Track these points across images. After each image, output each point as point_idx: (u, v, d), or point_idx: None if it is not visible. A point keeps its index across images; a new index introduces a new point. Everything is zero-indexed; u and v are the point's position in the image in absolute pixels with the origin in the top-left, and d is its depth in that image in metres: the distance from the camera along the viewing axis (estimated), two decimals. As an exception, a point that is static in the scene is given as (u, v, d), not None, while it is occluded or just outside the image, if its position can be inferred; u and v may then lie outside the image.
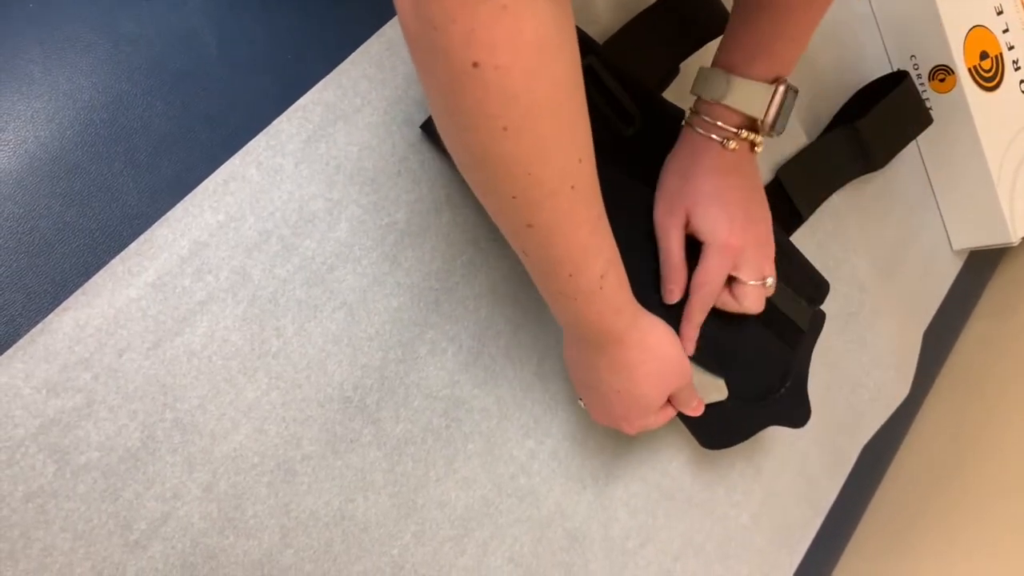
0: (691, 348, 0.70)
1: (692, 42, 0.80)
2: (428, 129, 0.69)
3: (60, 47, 0.60)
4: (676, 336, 0.66)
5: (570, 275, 0.55)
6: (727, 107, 0.66)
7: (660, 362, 0.65)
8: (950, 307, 1.05)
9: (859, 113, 0.92)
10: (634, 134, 0.73)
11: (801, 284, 0.81)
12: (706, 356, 0.72)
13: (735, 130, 0.67)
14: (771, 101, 0.66)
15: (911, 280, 1.01)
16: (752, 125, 0.67)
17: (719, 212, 0.68)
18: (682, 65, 0.81)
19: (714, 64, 0.69)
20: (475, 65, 0.42)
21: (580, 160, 0.50)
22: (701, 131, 0.68)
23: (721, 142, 0.67)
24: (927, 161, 1.04)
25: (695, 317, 0.70)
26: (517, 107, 0.45)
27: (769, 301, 0.76)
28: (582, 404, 0.71)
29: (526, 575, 0.72)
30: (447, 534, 0.69)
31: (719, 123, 0.67)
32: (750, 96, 0.66)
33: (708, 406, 0.71)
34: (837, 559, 0.95)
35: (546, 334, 0.74)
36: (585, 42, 0.74)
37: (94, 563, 0.57)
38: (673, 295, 0.70)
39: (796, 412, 0.80)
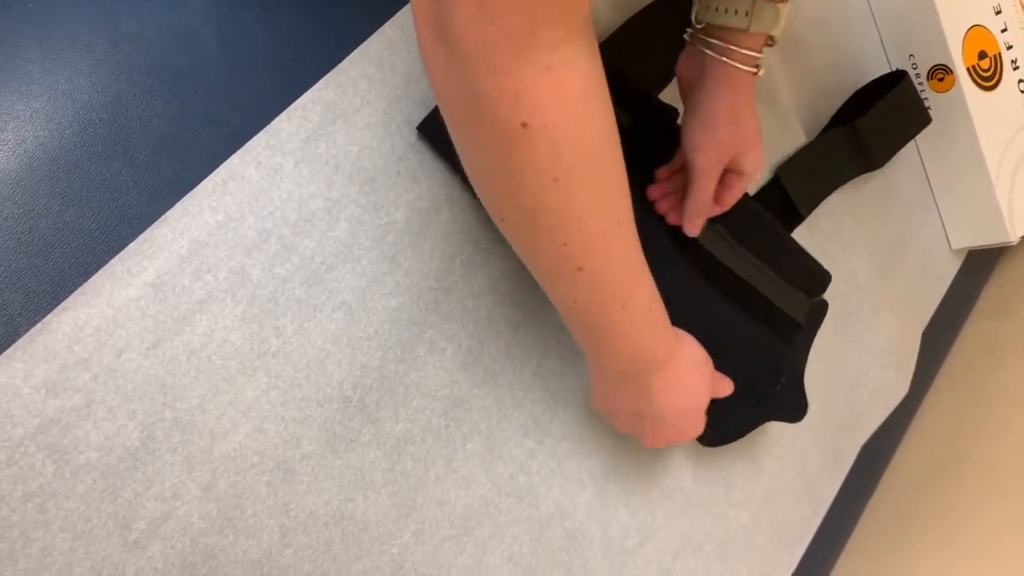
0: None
1: None
2: (425, 130, 0.69)
3: (59, 46, 0.60)
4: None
5: (623, 306, 0.56)
6: (751, 34, 0.68)
7: (703, 365, 0.67)
8: (949, 306, 1.05)
9: (858, 112, 0.92)
10: (632, 126, 0.73)
11: (797, 276, 0.81)
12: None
13: (760, 55, 0.69)
14: (782, 17, 0.68)
15: (910, 279, 1.01)
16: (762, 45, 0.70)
17: (760, 149, 0.72)
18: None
19: None
20: (524, 126, 0.43)
21: (624, 195, 0.51)
22: (738, 64, 0.69)
23: (755, 71, 0.69)
24: (926, 160, 1.04)
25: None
26: (567, 158, 0.46)
27: (762, 296, 0.77)
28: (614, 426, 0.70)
29: (525, 574, 0.72)
30: (446, 533, 0.69)
31: (750, 52, 0.68)
32: (769, 18, 0.67)
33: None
34: (836, 558, 0.95)
35: (545, 334, 0.74)
36: None
37: (93, 563, 0.57)
38: (697, 229, 0.74)
39: (793, 407, 0.81)
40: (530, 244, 0.52)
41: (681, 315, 0.73)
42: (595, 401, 0.69)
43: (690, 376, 0.65)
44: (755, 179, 0.74)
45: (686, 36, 0.72)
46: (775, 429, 0.87)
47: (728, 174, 0.73)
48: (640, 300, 0.57)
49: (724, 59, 0.69)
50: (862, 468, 0.95)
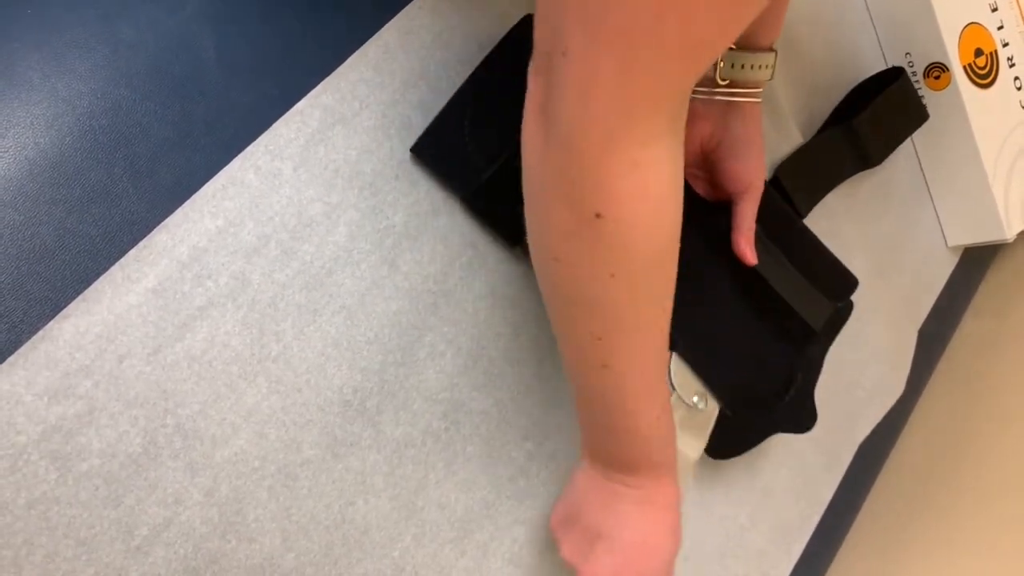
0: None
1: None
2: (419, 151, 0.69)
3: (59, 53, 0.60)
4: None
5: (631, 411, 0.56)
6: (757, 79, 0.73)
7: (677, 521, 0.62)
8: (945, 304, 1.06)
9: (856, 110, 0.92)
10: None
11: (825, 280, 0.81)
12: (704, 361, 0.73)
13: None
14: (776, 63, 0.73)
15: (906, 277, 1.02)
16: None
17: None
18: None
19: (736, 45, 0.72)
20: (598, 216, 0.45)
21: (670, 302, 0.52)
22: (756, 100, 0.74)
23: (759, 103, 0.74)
24: (922, 158, 1.04)
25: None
26: (630, 259, 0.47)
27: (783, 300, 0.77)
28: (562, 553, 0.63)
29: (526, 576, 0.72)
30: (447, 536, 0.69)
31: (758, 89, 0.74)
32: (768, 65, 0.72)
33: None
34: (834, 556, 0.95)
35: (545, 337, 0.75)
36: None
37: (97, 569, 0.57)
38: (754, 257, 0.74)
39: (800, 418, 0.80)
40: (565, 331, 0.54)
41: (700, 317, 0.73)
42: (559, 508, 0.65)
43: (670, 516, 0.61)
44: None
45: (700, 95, 0.74)
46: (773, 428, 0.88)
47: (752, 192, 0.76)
48: (651, 413, 0.57)
49: (754, 100, 0.73)
50: (859, 466, 0.96)
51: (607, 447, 0.60)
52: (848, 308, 0.83)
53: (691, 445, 0.72)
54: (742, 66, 0.71)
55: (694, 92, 0.72)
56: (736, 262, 0.75)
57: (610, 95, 0.42)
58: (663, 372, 0.56)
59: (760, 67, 0.71)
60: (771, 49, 0.72)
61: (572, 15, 0.42)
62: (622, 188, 0.45)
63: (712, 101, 0.73)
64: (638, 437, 0.58)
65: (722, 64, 0.71)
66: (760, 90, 0.74)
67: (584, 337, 0.52)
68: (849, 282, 0.83)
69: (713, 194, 0.77)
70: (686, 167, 0.74)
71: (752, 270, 0.75)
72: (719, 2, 0.41)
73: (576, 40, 0.42)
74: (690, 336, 0.72)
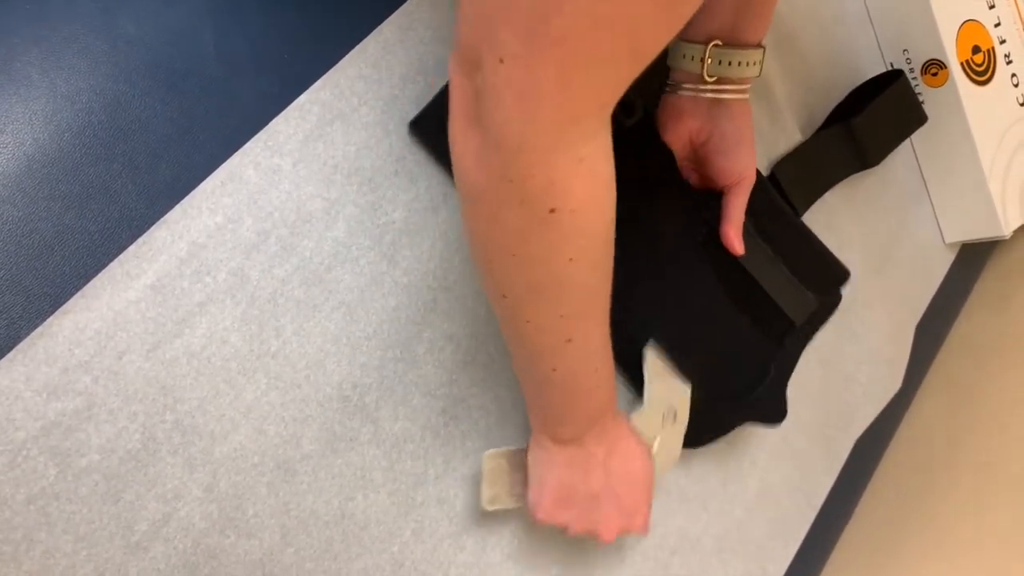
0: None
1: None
2: (417, 128, 0.70)
3: (57, 48, 0.60)
4: None
5: (595, 370, 0.60)
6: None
7: (636, 437, 0.70)
8: (942, 300, 1.06)
9: (854, 111, 0.93)
10: (635, 124, 0.74)
11: (813, 272, 0.81)
12: (682, 349, 0.74)
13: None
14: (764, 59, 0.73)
15: (903, 273, 1.02)
16: None
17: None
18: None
19: (723, 41, 0.72)
20: (552, 211, 0.46)
21: (612, 268, 0.54)
22: (744, 96, 0.74)
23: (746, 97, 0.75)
24: (920, 155, 1.04)
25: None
26: (586, 241, 0.49)
27: (764, 293, 0.77)
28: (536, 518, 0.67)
29: (524, 571, 0.72)
30: (446, 531, 0.69)
31: (745, 86, 0.74)
32: (756, 62, 0.72)
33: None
34: (831, 550, 0.96)
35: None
36: None
37: (96, 565, 0.57)
38: (743, 247, 0.76)
39: (770, 411, 0.81)
40: (526, 317, 0.54)
41: (682, 305, 0.75)
42: (542, 505, 0.66)
43: (635, 446, 0.68)
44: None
45: (687, 92, 0.74)
46: (770, 424, 0.88)
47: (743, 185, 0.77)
48: (610, 362, 0.61)
49: (742, 96, 0.74)
50: (856, 462, 0.96)
51: (572, 417, 0.63)
52: (835, 301, 0.83)
53: (664, 460, 0.74)
54: (729, 63, 0.71)
55: (681, 89, 0.73)
56: (722, 254, 0.76)
57: (553, 102, 0.42)
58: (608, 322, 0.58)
59: (748, 64, 0.72)
60: (759, 46, 0.73)
61: (507, 22, 0.41)
62: (573, 183, 0.45)
63: (700, 98, 0.74)
64: (601, 392, 0.63)
65: (710, 61, 0.71)
66: (748, 87, 0.74)
67: (549, 320, 0.53)
68: (838, 274, 0.83)
69: (704, 186, 0.78)
70: (677, 160, 0.75)
71: (736, 263, 0.77)
72: (659, 4, 0.41)
73: (513, 47, 0.41)
74: (670, 324, 0.75)
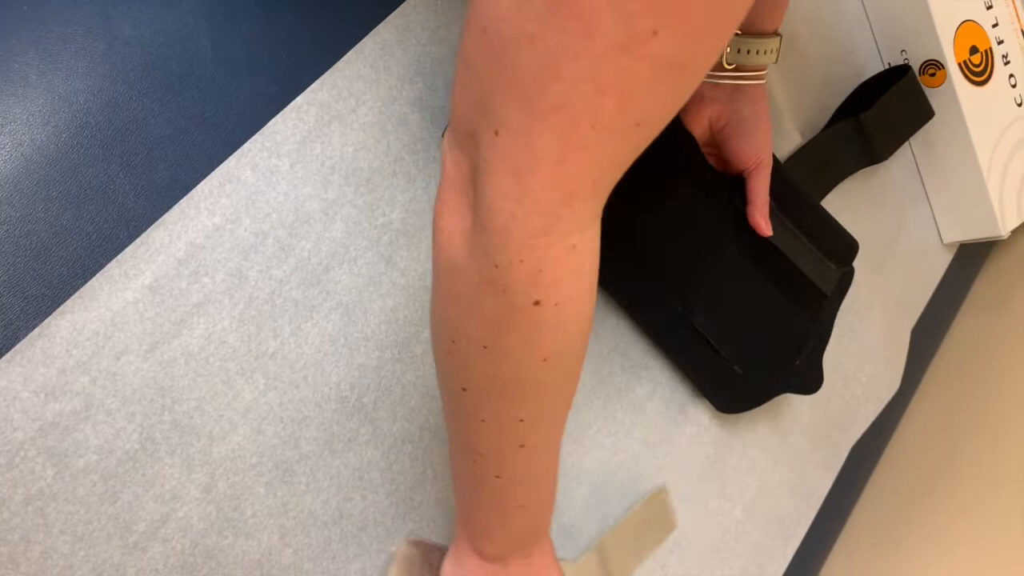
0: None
1: None
2: None
3: (55, 49, 0.60)
4: None
5: (541, 484, 0.56)
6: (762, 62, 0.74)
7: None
8: (940, 300, 1.06)
9: (862, 106, 0.93)
10: None
11: (832, 245, 0.83)
12: (722, 326, 0.77)
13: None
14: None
15: (902, 273, 1.02)
16: None
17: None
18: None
19: (742, 30, 0.73)
20: (536, 303, 0.42)
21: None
22: (761, 82, 0.74)
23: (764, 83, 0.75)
24: (918, 155, 1.04)
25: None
26: (565, 339, 0.45)
27: (795, 266, 0.79)
28: None
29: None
30: (444, 532, 0.69)
31: (762, 71, 0.74)
32: (773, 49, 0.74)
33: (721, 373, 0.78)
34: (829, 551, 0.96)
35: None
36: None
37: (94, 565, 0.57)
38: (770, 228, 0.76)
39: (809, 379, 0.83)
40: (482, 416, 0.50)
41: (719, 286, 0.77)
42: None
43: (553, 572, 0.64)
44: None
45: (706, 79, 0.74)
46: (768, 423, 0.88)
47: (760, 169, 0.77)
48: (554, 480, 0.57)
49: (759, 82, 0.74)
50: (854, 462, 0.96)
51: (503, 532, 0.59)
52: (850, 273, 0.84)
53: None
54: (747, 51, 0.72)
55: None
56: (751, 235, 0.77)
57: (550, 176, 0.39)
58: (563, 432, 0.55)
59: (765, 52, 0.72)
60: (776, 34, 0.74)
61: (505, 91, 0.39)
62: (562, 274, 0.42)
63: (719, 84, 0.74)
64: (538, 512, 0.58)
65: (728, 50, 0.72)
66: (764, 72, 0.75)
67: (506, 420, 0.49)
68: (851, 246, 0.85)
69: (723, 169, 0.79)
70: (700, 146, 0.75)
71: (766, 241, 0.78)
72: (661, 74, 0.38)
73: (509, 117, 0.39)
74: (709, 303, 0.77)
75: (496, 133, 0.40)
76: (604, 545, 0.74)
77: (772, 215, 0.77)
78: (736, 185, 0.77)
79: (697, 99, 0.75)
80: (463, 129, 0.43)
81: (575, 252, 0.42)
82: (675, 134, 0.75)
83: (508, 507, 0.56)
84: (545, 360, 0.45)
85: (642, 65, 0.37)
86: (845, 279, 0.84)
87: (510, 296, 0.42)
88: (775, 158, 0.80)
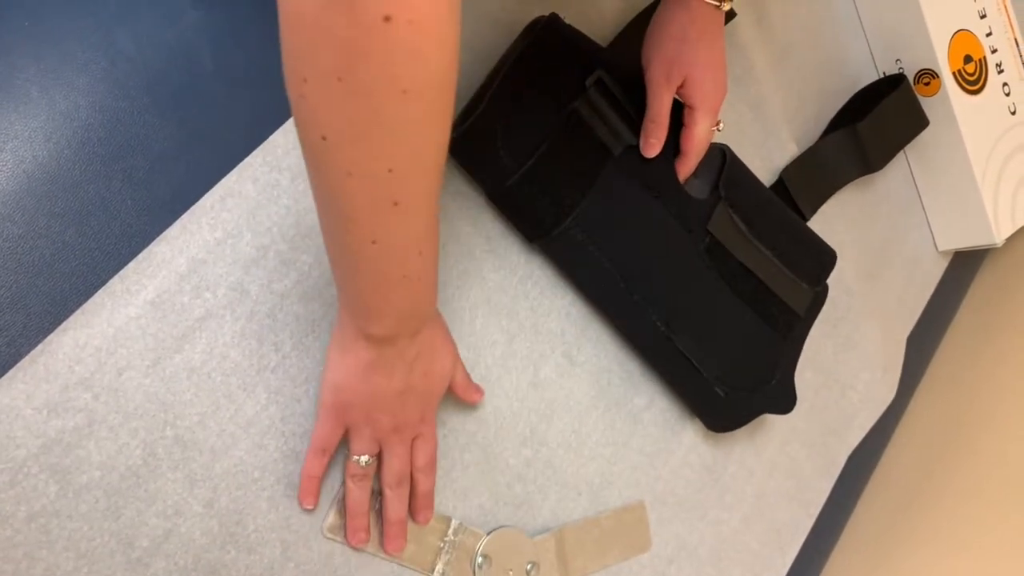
0: None
1: None
2: (453, 151, 0.71)
3: (56, 66, 0.60)
4: None
5: (419, 253, 0.53)
6: None
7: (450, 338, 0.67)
8: (936, 307, 1.07)
9: (857, 116, 0.94)
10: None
11: (804, 264, 0.83)
12: (697, 346, 0.78)
13: None
14: None
15: (897, 281, 1.03)
16: None
17: (714, 78, 0.72)
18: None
19: None
20: (387, 19, 0.38)
21: (447, 139, 0.48)
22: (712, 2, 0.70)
23: (718, 4, 0.70)
24: (912, 163, 1.05)
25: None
26: (423, 69, 0.41)
27: (765, 286, 0.80)
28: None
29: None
30: (445, 544, 0.70)
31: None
32: None
33: (706, 394, 0.79)
34: (827, 559, 0.96)
35: (540, 344, 0.75)
36: (592, 52, 0.75)
37: (97, 581, 0.57)
38: (655, 149, 0.74)
39: (783, 400, 0.84)
40: (348, 168, 0.46)
41: (691, 305, 0.77)
42: (334, 395, 0.62)
43: (449, 343, 0.66)
44: (709, 119, 0.74)
45: None
46: (766, 432, 0.88)
47: (685, 110, 0.74)
48: (435, 247, 0.55)
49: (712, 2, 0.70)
50: (851, 470, 0.97)
51: (388, 309, 0.57)
52: (824, 292, 0.85)
53: None
54: None
55: None
56: (725, 258, 0.78)
57: None
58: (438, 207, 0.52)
59: None
60: None
61: None
62: None
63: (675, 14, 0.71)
64: (422, 284, 0.56)
65: None
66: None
67: (374, 170, 0.46)
68: (825, 262, 0.85)
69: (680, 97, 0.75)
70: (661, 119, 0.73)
71: (738, 264, 0.78)
72: None
73: None
74: (690, 326, 0.77)
75: None
76: (563, 534, 0.74)
77: (742, 237, 0.78)
78: (709, 213, 0.77)
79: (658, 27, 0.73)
80: None
81: None
82: (648, 166, 0.75)
83: (390, 280, 0.54)
84: (405, 92, 0.42)
85: None
86: (818, 298, 0.84)
87: (357, 14, 0.38)
88: (750, 175, 0.81)
